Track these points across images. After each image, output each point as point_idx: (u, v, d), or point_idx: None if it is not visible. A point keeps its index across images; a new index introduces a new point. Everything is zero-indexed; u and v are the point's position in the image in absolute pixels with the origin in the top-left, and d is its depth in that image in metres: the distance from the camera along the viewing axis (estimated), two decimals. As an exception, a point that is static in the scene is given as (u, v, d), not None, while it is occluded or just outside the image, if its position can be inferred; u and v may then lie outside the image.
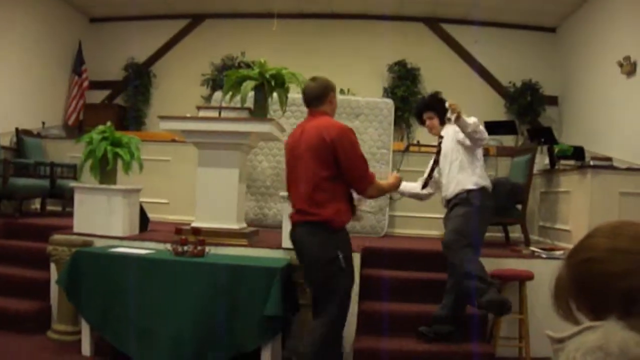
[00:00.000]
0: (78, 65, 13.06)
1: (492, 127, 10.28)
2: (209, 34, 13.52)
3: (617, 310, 1.53)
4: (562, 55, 12.48)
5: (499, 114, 12.28)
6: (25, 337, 6.05)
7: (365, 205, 5.85)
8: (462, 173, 5.74)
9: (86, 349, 5.66)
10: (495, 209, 6.39)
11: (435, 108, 6.01)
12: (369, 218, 8.16)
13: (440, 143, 6.05)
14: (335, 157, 4.50)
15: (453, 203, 5.77)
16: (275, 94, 6.47)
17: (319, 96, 4.79)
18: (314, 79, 4.93)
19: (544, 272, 5.99)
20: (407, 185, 5.92)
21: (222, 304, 5.24)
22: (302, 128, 4.78)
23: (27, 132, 10.02)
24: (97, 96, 13.65)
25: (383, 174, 5.68)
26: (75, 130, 12.43)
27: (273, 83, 6.35)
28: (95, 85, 13.45)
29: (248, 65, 10.70)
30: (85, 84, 13.11)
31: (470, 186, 5.69)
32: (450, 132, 5.87)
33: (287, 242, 6.01)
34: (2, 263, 7.07)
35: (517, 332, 6.09)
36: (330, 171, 4.52)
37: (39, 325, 6.25)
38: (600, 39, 10.54)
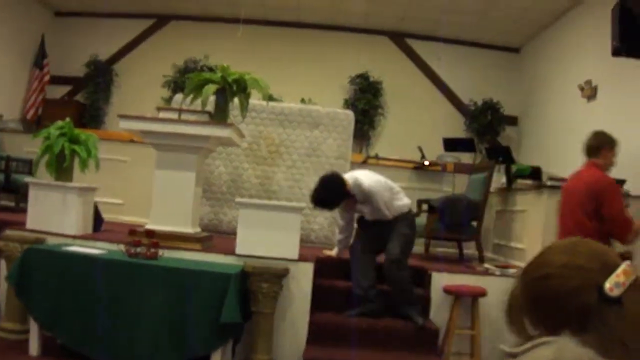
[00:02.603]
0: (40, 58, 12.89)
1: (451, 144, 10.38)
2: (174, 35, 13.42)
3: (571, 326, 1.54)
4: (524, 75, 12.62)
5: (459, 131, 12.38)
6: (-31, 334, 5.95)
7: None
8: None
9: (34, 348, 5.56)
10: (450, 225, 6.66)
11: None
12: (323, 228, 8.17)
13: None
14: (598, 207, 5.20)
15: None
16: (236, 99, 6.44)
17: (593, 148, 5.62)
18: (595, 132, 5.78)
19: (497, 288, 6.06)
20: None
21: (174, 307, 5.21)
22: (579, 174, 5.62)
23: (-17, 124, 9.86)
24: (58, 91, 13.49)
25: None
26: (33, 124, 12.26)
27: (235, 88, 6.30)
28: (56, 80, 13.29)
29: (211, 69, 10.65)
30: (46, 78, 12.95)
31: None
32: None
33: (241, 249, 6.00)
34: (-51, 257, 6.96)
35: (468, 348, 6.12)
36: (593, 220, 5.21)
37: (-16, 323, 6.16)
38: (563, 62, 10.67)
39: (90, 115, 13.16)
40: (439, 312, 6.31)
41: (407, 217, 6.38)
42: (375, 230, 6.33)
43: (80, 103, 13.37)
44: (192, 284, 5.22)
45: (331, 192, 6.12)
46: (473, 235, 7.83)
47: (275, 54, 12.80)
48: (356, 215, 6.60)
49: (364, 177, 6.22)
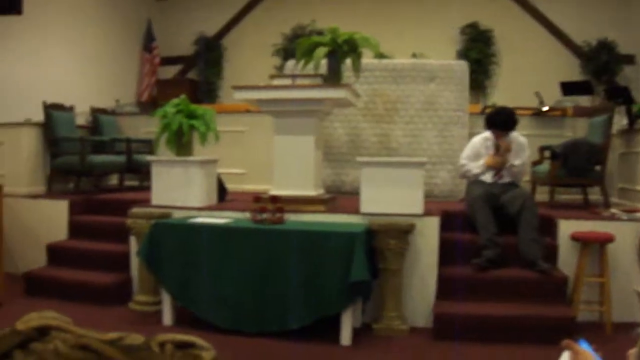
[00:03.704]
0: (148, 42, 13.25)
1: (569, 88, 10.12)
2: (278, 4, 13.48)
3: None
4: (638, 12, 12.15)
5: (574, 74, 12.01)
6: (107, 308, 6.24)
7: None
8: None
9: (167, 318, 5.80)
10: (573, 170, 7.14)
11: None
12: (446, 182, 8.12)
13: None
14: None
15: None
16: (348, 60, 6.45)
17: None
18: None
19: (625, 234, 5.91)
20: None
21: (302, 269, 5.29)
22: None
23: (102, 111, 10.13)
24: (169, 71, 13.83)
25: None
26: (148, 106, 12.58)
27: (345, 48, 6.31)
28: (167, 61, 13.63)
29: (320, 33, 10.66)
30: (157, 60, 13.30)
31: None
32: None
33: (365, 207, 6.03)
34: (83, 238, 7.34)
35: (597, 296, 5.99)
36: None
37: (120, 297, 6.45)
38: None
39: (203, 90, 13.41)
40: (566, 260, 6.17)
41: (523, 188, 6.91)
42: (493, 189, 6.54)
43: (192, 80, 13.66)
44: (319, 245, 5.29)
45: (512, 113, 6.75)
46: (597, 180, 7.61)
47: (381, 11, 12.69)
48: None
49: None
